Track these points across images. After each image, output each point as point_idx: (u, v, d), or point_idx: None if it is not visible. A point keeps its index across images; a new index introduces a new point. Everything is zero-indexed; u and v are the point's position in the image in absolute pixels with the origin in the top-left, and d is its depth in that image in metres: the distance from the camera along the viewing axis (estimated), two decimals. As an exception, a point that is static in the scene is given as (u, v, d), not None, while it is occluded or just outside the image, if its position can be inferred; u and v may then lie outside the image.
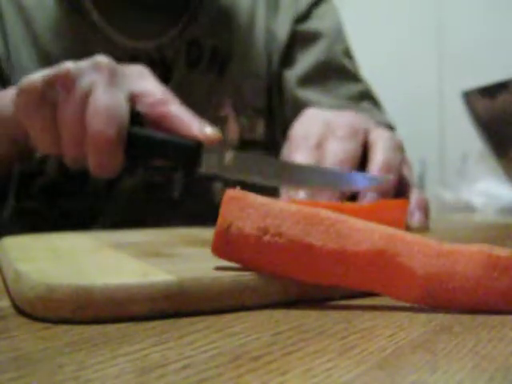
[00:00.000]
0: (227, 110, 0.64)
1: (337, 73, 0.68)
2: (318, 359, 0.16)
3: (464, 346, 0.17)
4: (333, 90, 0.66)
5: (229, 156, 0.42)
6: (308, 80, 0.66)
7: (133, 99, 0.43)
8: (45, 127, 0.42)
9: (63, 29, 0.59)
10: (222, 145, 0.43)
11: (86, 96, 0.41)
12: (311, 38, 0.68)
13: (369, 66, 0.89)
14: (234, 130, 0.64)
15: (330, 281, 0.22)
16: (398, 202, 0.39)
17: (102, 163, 0.41)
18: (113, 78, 0.42)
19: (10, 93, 0.46)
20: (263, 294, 0.22)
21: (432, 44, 1.82)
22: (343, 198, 0.41)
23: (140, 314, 0.20)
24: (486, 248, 0.21)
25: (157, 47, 0.61)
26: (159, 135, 0.42)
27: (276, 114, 0.66)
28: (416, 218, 0.42)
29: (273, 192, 0.45)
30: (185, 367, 0.15)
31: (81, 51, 0.58)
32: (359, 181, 0.41)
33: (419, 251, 0.21)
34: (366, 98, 0.68)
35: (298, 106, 0.61)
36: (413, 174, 0.49)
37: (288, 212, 0.22)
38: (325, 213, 0.22)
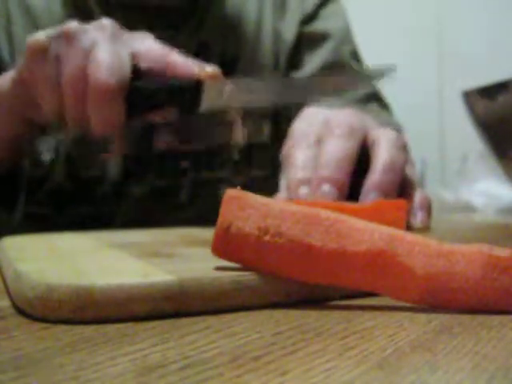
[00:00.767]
0: (234, 114, 0.64)
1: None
2: (317, 359, 0.16)
3: (464, 346, 0.17)
4: (340, 92, 0.66)
5: (228, 87, 0.42)
6: None
7: (135, 57, 0.44)
8: (48, 83, 0.42)
9: None
10: (221, 81, 0.43)
11: (89, 50, 0.41)
12: (318, 39, 0.68)
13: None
14: (240, 134, 0.64)
15: (329, 281, 0.22)
16: (398, 202, 0.39)
17: (102, 117, 0.41)
18: (115, 36, 0.43)
19: (12, 71, 0.46)
20: (263, 293, 0.22)
21: (432, 44, 1.82)
22: (343, 198, 0.41)
23: (140, 314, 0.20)
24: (485, 248, 0.21)
25: None
26: (159, 84, 0.43)
27: (282, 117, 0.66)
28: (419, 218, 0.42)
29: (273, 191, 0.45)
30: (185, 367, 0.15)
31: None
32: (361, 79, 0.40)
33: (419, 251, 0.21)
34: (373, 99, 0.68)
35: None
36: (416, 173, 0.49)
37: (288, 212, 0.22)
38: (325, 213, 0.22)
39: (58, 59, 0.42)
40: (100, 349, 0.17)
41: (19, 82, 0.45)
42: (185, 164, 0.62)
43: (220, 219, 0.23)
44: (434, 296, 0.21)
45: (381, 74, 0.40)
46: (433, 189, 1.31)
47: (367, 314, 0.21)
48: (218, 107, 0.43)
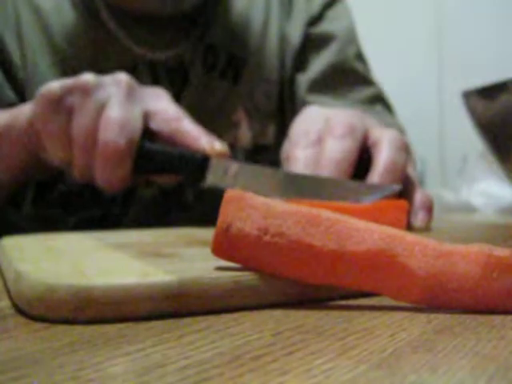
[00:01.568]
0: (240, 115, 0.64)
1: (348, 76, 0.67)
2: (318, 359, 0.16)
3: (464, 346, 0.17)
4: (344, 94, 0.66)
5: (234, 168, 0.43)
6: (320, 84, 0.66)
7: (147, 117, 0.44)
8: (58, 133, 0.43)
9: (80, 36, 0.58)
10: (228, 159, 0.44)
11: (102, 107, 0.42)
12: (324, 40, 0.68)
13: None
14: (246, 135, 0.64)
15: (330, 281, 0.22)
16: (399, 202, 0.39)
17: (108, 175, 0.42)
18: (130, 94, 0.43)
19: (28, 107, 0.46)
20: (263, 294, 0.22)
21: (432, 44, 1.82)
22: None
23: (140, 314, 0.20)
24: (485, 248, 0.21)
25: (173, 56, 0.61)
26: (168, 149, 0.44)
27: (287, 119, 0.66)
28: (420, 218, 0.42)
29: None
30: (185, 367, 0.15)
31: (97, 59, 0.58)
32: (364, 193, 0.40)
33: (419, 251, 0.21)
34: (377, 101, 0.68)
35: None
36: (417, 173, 0.49)
37: (288, 212, 0.22)
38: (325, 213, 0.22)
39: (70, 111, 0.43)
40: (100, 349, 0.17)
41: (30, 127, 0.45)
42: None
43: (220, 219, 0.23)
44: (434, 296, 0.21)
45: (382, 190, 0.40)
46: (433, 189, 1.31)
47: (367, 314, 0.21)
48: (221, 186, 0.43)
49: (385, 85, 0.73)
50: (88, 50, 0.59)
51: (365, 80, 0.69)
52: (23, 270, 0.22)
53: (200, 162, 0.43)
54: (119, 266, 0.24)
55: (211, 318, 0.21)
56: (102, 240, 0.35)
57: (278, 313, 0.21)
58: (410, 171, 0.46)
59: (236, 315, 0.21)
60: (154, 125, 0.44)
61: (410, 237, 0.22)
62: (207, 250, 0.23)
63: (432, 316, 0.21)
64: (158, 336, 0.18)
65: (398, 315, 0.21)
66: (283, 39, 0.67)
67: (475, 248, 0.21)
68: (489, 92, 0.46)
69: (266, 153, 0.65)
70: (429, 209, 0.43)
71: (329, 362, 0.16)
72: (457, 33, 1.76)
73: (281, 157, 0.49)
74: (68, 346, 0.17)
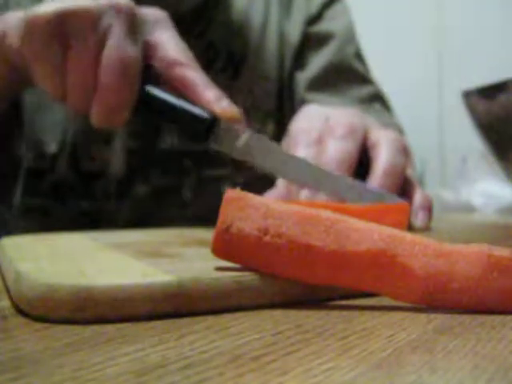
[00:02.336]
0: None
1: (347, 75, 0.67)
2: (317, 359, 0.16)
3: (464, 346, 0.17)
4: (343, 93, 0.66)
5: (244, 137, 0.39)
6: (319, 83, 0.66)
7: (148, 49, 0.40)
8: (52, 68, 0.38)
9: None
10: (238, 125, 0.40)
11: (102, 42, 0.38)
12: (323, 39, 0.68)
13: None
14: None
15: (329, 281, 0.22)
16: (400, 204, 0.38)
17: (106, 116, 0.39)
18: (131, 25, 0.39)
19: (14, 17, 0.40)
20: (263, 294, 0.22)
21: (432, 44, 1.82)
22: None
23: (140, 314, 0.20)
24: (485, 248, 0.21)
25: None
26: (173, 99, 0.39)
27: (286, 117, 0.66)
28: (420, 218, 0.42)
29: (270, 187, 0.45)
30: (185, 367, 0.15)
31: None
32: (365, 195, 0.40)
33: (419, 251, 0.21)
34: (376, 100, 0.68)
35: None
36: (416, 173, 0.49)
37: (288, 212, 0.22)
38: (325, 213, 0.22)
39: (65, 44, 0.38)
40: (100, 349, 0.17)
41: (17, 53, 0.39)
42: (187, 162, 0.62)
43: (220, 219, 0.23)
44: (434, 296, 0.21)
45: (382, 198, 0.40)
46: (433, 189, 1.31)
47: (367, 314, 0.21)
48: (225, 152, 0.39)
49: (385, 85, 0.73)
50: None
51: (363, 79, 0.69)
52: (23, 270, 0.22)
53: (208, 123, 0.38)
54: (119, 266, 0.24)
55: (211, 318, 0.21)
56: (101, 240, 0.35)
57: (277, 313, 0.21)
58: (410, 172, 0.46)
59: (236, 315, 0.21)
60: (156, 63, 0.40)
61: (409, 237, 0.22)
62: (207, 250, 0.23)
63: (432, 316, 0.21)
64: (157, 336, 0.18)
65: (398, 315, 0.21)
66: (282, 38, 0.67)
67: (475, 248, 0.21)
68: (489, 92, 0.46)
69: None
70: (428, 209, 0.43)
71: (329, 361, 0.16)
72: (457, 33, 1.76)
73: None
74: (68, 346, 0.17)
